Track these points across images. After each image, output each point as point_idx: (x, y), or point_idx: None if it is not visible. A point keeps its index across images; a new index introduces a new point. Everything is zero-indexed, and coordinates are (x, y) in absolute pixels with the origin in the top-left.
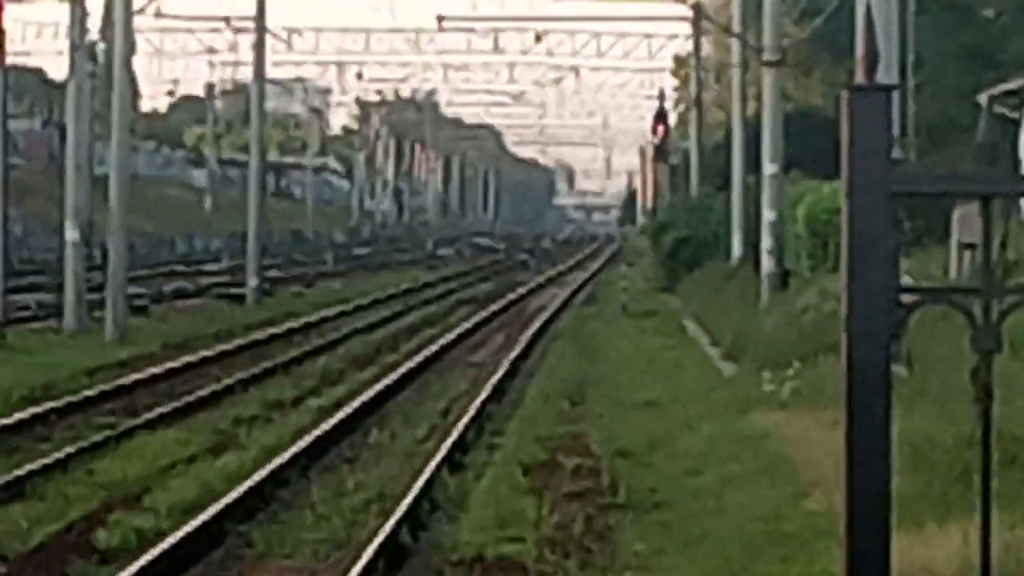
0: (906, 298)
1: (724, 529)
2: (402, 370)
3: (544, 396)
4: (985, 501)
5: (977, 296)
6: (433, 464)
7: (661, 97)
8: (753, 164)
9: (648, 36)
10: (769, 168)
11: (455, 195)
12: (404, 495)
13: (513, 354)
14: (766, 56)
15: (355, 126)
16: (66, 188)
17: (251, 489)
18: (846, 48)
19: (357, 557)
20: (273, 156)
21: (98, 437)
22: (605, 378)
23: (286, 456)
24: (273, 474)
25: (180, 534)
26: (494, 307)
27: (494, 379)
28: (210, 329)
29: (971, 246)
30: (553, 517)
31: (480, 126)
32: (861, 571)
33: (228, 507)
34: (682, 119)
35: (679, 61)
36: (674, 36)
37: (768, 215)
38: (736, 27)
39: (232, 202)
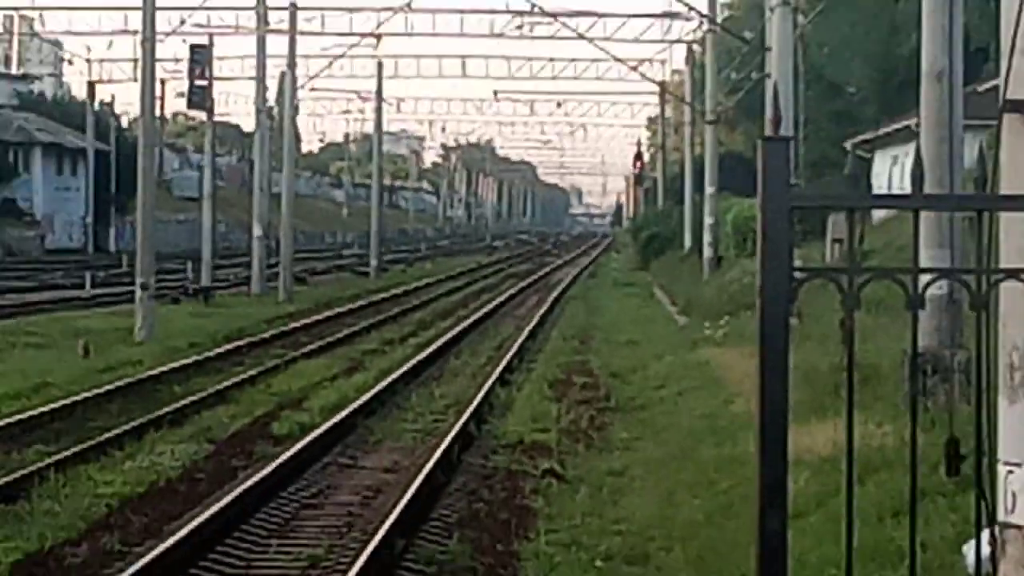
0: (798, 275)
1: (679, 424)
2: (471, 320)
3: (562, 337)
4: (849, 406)
5: (844, 273)
6: (490, 381)
7: (639, 144)
8: (698, 187)
9: (631, 104)
10: (709, 189)
11: (505, 206)
12: (471, 401)
13: (542, 310)
14: (707, 117)
15: (440, 161)
16: (253, 201)
17: (372, 397)
18: (759, 111)
19: (441, 441)
20: (387, 181)
21: (273, 363)
22: (602, 326)
23: (395, 375)
24: (387, 387)
25: (327, 425)
26: (530, 279)
27: (530, 326)
28: (345, 293)
29: (840, 241)
30: (568, 416)
31: (522, 162)
32: (769, 451)
33: (357, 408)
34: (653, 158)
35: (651, 120)
36: (647, 104)
37: (708, 220)
38: (687, 98)
39: (360, 211)
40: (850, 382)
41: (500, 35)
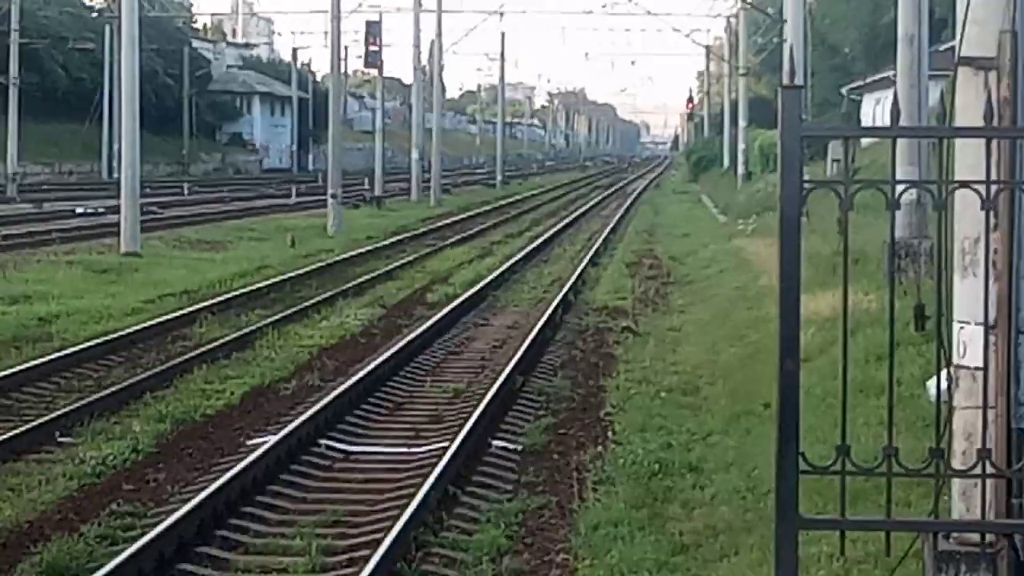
0: (807, 186)
1: (720, 293)
2: (569, 219)
3: (635, 231)
4: (844, 280)
5: (841, 184)
6: (583, 263)
7: (690, 91)
8: (734, 122)
9: (684, 62)
10: (741, 124)
11: (594, 137)
12: (570, 277)
13: (620, 212)
14: (740, 71)
15: (546, 104)
16: (412, 134)
17: (499, 274)
18: (779, 66)
19: (547, 307)
20: (508, 119)
21: (427, 250)
22: (664, 223)
23: (515, 259)
24: (509, 267)
25: (466, 295)
26: (612, 189)
27: (611, 223)
28: (478, 200)
29: (837, 160)
30: (640, 288)
31: (605, 104)
32: (786, 313)
33: (488, 283)
34: (701, 100)
35: (699, 73)
36: (697, 60)
37: (740, 146)
38: (726, 56)
39: (488, 140)
40: (845, 263)
41: (590, 12)
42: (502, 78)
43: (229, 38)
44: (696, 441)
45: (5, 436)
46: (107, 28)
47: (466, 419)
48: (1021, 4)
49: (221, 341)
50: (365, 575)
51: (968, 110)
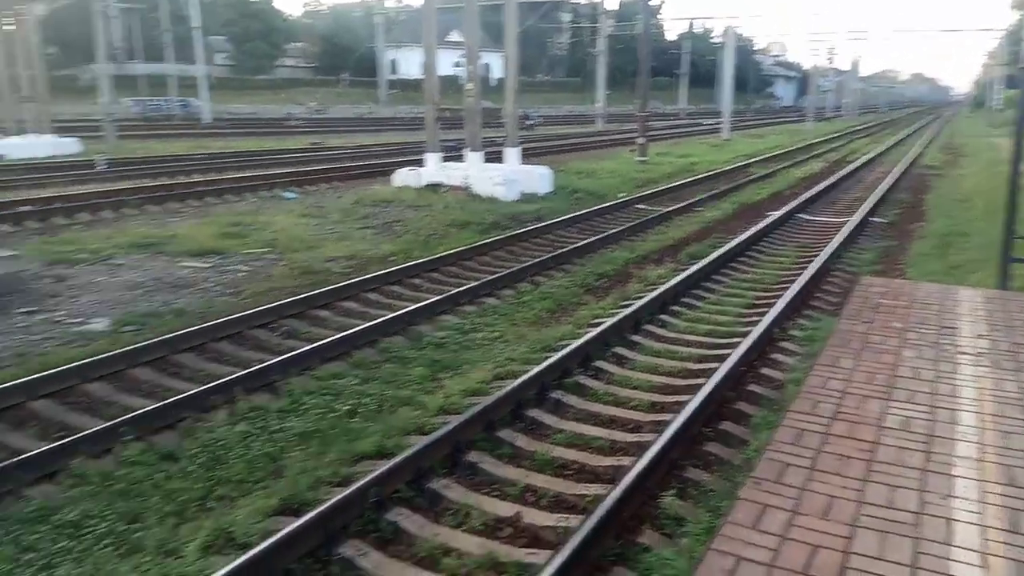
0: None
1: (983, 159)
2: (925, 121)
3: (947, 133)
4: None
5: None
6: (922, 145)
7: (978, 72)
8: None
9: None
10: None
11: (931, 93)
12: (912, 151)
13: (944, 119)
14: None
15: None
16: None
17: (881, 151)
18: None
19: (902, 165)
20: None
21: (859, 136)
22: (958, 130)
23: (890, 144)
24: (887, 149)
25: (864, 159)
26: (942, 112)
27: (941, 124)
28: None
29: None
30: (945, 157)
31: (932, 76)
32: (1015, 168)
33: (878, 154)
34: (981, 75)
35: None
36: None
37: (998, 97)
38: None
39: (895, 93)
40: None
41: None
42: None
43: (771, 52)
44: (967, 222)
45: (675, 208)
46: (718, 53)
47: (860, 208)
48: None
49: (760, 174)
50: (812, 268)
51: None
